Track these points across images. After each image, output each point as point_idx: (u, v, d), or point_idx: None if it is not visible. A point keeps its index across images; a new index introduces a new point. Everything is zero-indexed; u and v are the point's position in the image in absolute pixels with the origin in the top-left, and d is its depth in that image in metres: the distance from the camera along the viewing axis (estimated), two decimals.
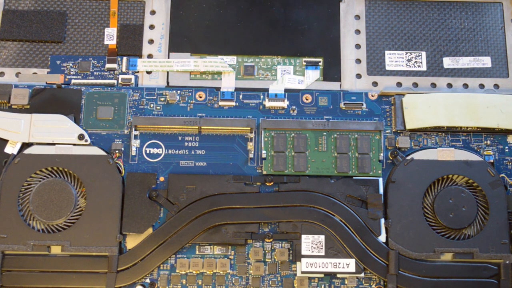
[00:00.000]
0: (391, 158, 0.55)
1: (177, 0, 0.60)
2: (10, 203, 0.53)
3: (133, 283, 0.52)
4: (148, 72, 0.58)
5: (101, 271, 0.52)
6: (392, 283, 0.52)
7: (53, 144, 0.55)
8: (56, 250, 0.53)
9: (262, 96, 0.57)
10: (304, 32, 0.60)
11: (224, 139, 0.56)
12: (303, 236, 0.53)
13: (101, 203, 0.53)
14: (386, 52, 0.60)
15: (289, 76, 0.58)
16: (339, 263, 0.52)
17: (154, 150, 0.56)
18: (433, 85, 0.58)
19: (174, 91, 0.57)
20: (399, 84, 0.59)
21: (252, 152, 0.55)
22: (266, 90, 0.58)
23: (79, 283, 0.52)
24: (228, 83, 0.58)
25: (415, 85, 0.59)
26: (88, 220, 0.53)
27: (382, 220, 0.53)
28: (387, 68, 0.59)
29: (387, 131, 0.56)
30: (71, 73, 0.58)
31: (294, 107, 0.57)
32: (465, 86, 0.59)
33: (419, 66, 0.59)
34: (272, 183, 0.55)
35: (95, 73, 0.58)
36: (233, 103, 0.57)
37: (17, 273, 0.52)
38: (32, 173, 0.54)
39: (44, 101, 0.56)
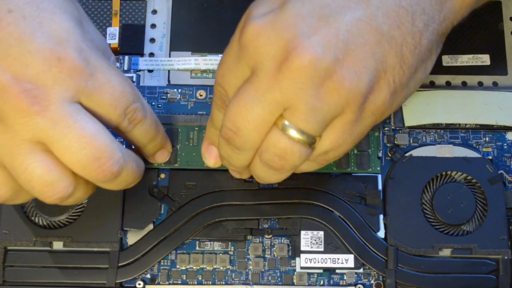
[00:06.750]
0: (390, 155, 0.56)
1: (178, 0, 0.61)
2: None
3: (133, 278, 0.53)
4: (150, 71, 0.59)
5: (102, 266, 0.53)
6: (391, 278, 0.52)
7: None
8: (58, 245, 0.53)
9: None
10: None
11: None
12: (303, 232, 0.53)
13: (102, 199, 0.54)
14: None
15: None
16: (338, 258, 0.53)
17: None
18: (432, 83, 0.59)
19: (175, 90, 0.58)
20: None
21: None
22: None
23: (80, 278, 0.52)
24: None
25: None
26: (89, 217, 0.53)
27: (381, 216, 0.54)
28: None
29: (386, 128, 0.57)
30: None
31: None
32: (464, 83, 0.59)
33: None
34: None
35: None
36: None
37: (19, 268, 0.53)
38: None
39: None
